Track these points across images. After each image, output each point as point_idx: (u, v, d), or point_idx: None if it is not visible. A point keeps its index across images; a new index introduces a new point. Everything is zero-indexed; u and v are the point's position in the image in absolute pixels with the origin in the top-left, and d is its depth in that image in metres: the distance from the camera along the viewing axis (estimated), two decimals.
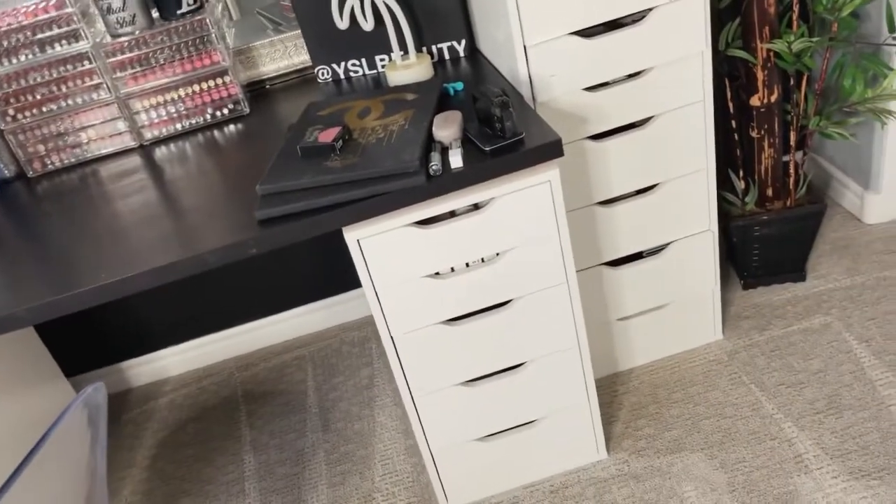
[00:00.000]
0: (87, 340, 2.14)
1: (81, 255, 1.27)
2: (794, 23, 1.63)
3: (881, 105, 1.61)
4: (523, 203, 1.29)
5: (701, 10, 1.43)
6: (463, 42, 1.68)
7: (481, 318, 1.40)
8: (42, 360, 1.98)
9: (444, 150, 1.29)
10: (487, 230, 1.30)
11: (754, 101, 1.72)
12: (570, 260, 1.36)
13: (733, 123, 1.82)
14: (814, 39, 1.55)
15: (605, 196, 1.60)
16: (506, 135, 1.26)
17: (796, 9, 1.62)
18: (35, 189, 1.58)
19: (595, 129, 1.52)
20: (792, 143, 1.79)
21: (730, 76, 1.78)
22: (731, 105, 1.80)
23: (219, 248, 1.18)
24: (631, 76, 1.49)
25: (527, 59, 1.42)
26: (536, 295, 1.39)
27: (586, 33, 1.43)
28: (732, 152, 1.87)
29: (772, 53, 1.64)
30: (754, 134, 1.77)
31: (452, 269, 1.35)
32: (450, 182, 1.23)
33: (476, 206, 1.30)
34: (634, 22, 1.43)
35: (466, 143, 1.30)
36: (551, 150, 1.25)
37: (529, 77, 1.44)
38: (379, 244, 1.27)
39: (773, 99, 1.71)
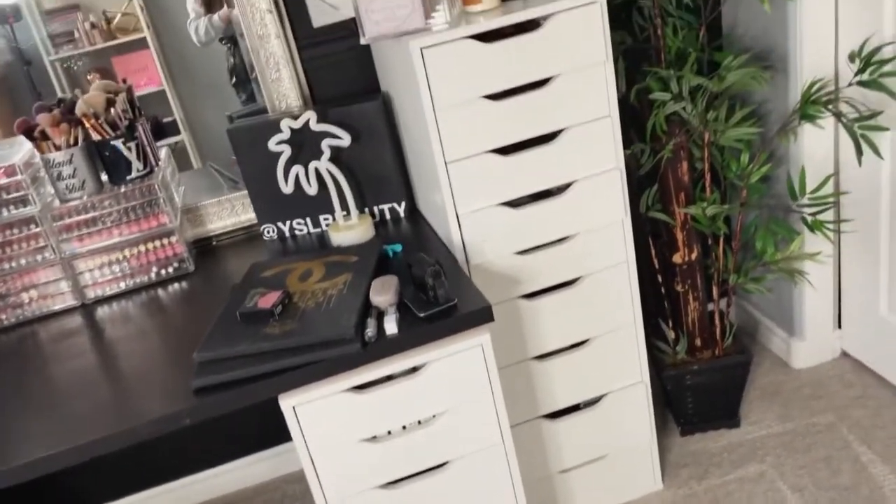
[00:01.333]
0: (15, 500, 2.05)
1: (13, 425, 1.25)
2: (708, 188, 1.78)
3: (793, 265, 1.74)
4: (457, 366, 1.34)
5: (618, 182, 1.55)
6: (403, 203, 1.77)
7: (419, 480, 1.40)
8: None
9: (381, 315, 1.34)
10: (423, 393, 1.33)
11: (676, 258, 1.83)
12: (504, 421, 1.39)
13: (659, 278, 1.93)
14: (725, 206, 1.69)
15: (540, 351, 1.66)
16: (439, 301, 1.32)
17: (708, 176, 1.77)
18: None
19: (527, 289, 1.60)
20: (715, 295, 1.89)
21: (653, 235, 1.90)
22: (655, 261, 1.91)
23: (153, 419, 1.18)
24: (559, 241, 1.59)
25: (460, 226, 1.51)
26: (473, 456, 1.40)
27: (515, 203, 1.53)
28: (661, 304, 1.97)
29: (689, 216, 1.77)
30: (679, 288, 1.87)
31: (389, 433, 1.37)
32: (384, 348, 1.27)
33: (413, 370, 1.34)
34: (559, 192, 1.54)
35: (402, 307, 1.35)
36: (482, 315, 1.31)
37: (463, 242, 1.52)
38: (314, 410, 1.29)
39: (693, 257, 1.83)
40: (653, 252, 1.90)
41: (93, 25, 1.86)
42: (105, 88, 1.67)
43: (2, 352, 1.54)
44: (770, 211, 1.94)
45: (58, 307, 1.65)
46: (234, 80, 1.91)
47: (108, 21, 1.88)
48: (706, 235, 1.87)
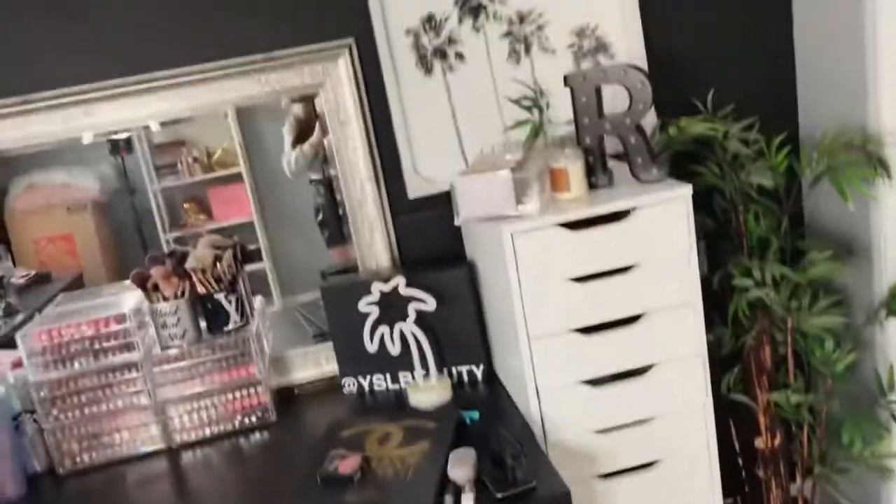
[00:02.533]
0: None
1: None
2: (790, 374, 1.75)
3: (883, 462, 1.67)
4: None
5: (700, 368, 1.55)
6: (481, 366, 1.80)
7: None
8: None
9: (458, 492, 1.35)
10: None
11: (759, 443, 1.79)
12: None
13: (740, 461, 1.87)
14: (810, 396, 1.66)
15: None
16: (517, 483, 1.32)
17: (791, 361, 1.75)
18: (62, 486, 1.64)
19: (604, 469, 1.58)
20: (798, 481, 1.82)
21: (733, 415, 1.87)
22: (736, 443, 1.86)
23: None
24: (638, 422, 1.58)
25: (539, 401, 1.53)
26: None
27: (596, 382, 1.54)
28: (741, 487, 1.90)
29: (772, 401, 1.74)
30: (761, 474, 1.82)
31: None
32: None
33: None
34: (641, 373, 1.56)
35: (479, 483, 1.36)
36: (561, 501, 1.30)
37: (542, 417, 1.54)
38: None
39: (776, 443, 1.78)
40: (734, 434, 1.86)
41: (195, 159, 2.04)
42: (213, 244, 1.80)
43: (90, 490, 1.60)
44: (857, 401, 1.89)
45: (146, 449, 1.71)
46: (319, 217, 2.04)
47: (209, 155, 2.05)
48: (789, 420, 1.83)
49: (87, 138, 1.81)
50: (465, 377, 1.81)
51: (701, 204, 1.92)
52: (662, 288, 1.51)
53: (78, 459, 1.69)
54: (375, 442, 1.52)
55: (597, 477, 1.59)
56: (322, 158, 1.91)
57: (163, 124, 1.90)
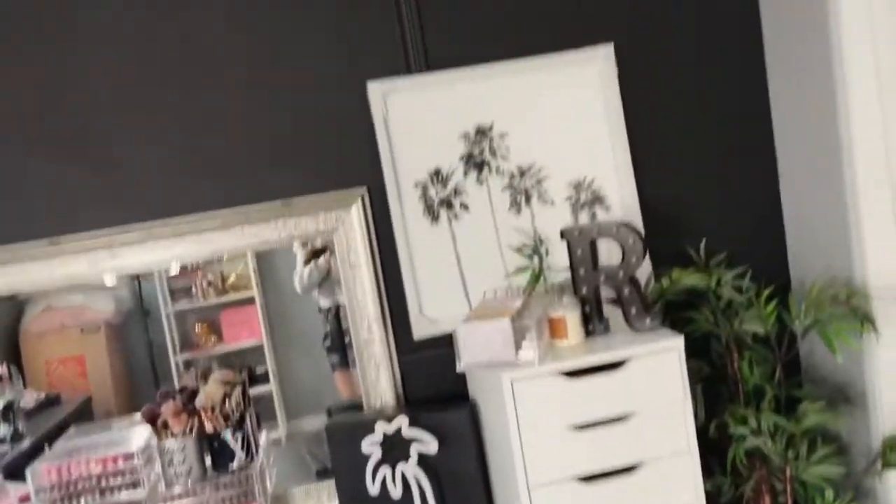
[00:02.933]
0: None
1: None
2: None
3: None
4: None
5: None
6: None
7: None
8: None
9: None
10: None
11: None
12: None
13: None
14: None
15: None
16: None
17: None
18: None
19: None
20: None
21: None
22: None
23: None
24: None
25: None
26: None
27: None
28: None
29: None
30: None
31: None
32: None
33: None
34: None
35: None
36: None
37: None
38: None
39: None
40: None
41: (209, 283, 2.12)
42: (223, 379, 1.86)
43: None
44: None
45: None
46: (327, 343, 2.09)
47: (224, 279, 2.14)
48: None
49: (109, 280, 1.91)
50: None
51: (697, 350, 1.98)
52: (659, 436, 1.55)
53: None
54: None
55: None
56: (333, 280, 1.99)
57: None
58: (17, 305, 2.02)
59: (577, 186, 1.99)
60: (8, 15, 1.76)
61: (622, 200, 1.99)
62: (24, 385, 2.02)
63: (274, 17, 1.85)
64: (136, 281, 2.06)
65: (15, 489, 1.77)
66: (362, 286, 1.91)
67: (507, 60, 1.93)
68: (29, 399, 2.02)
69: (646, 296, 1.65)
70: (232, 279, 2.13)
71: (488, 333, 1.52)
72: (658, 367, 1.54)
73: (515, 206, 1.97)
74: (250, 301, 2.09)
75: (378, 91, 1.88)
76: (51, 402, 2.05)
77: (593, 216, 1.99)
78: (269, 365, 2.10)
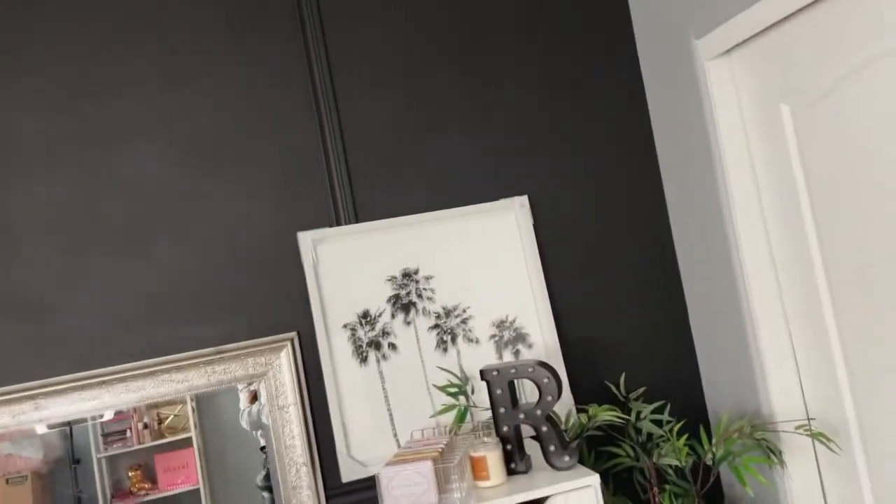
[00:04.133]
0: None
1: None
2: None
3: None
4: None
5: None
6: None
7: None
8: None
9: None
10: None
11: None
12: None
13: None
14: None
15: None
16: None
17: None
18: None
19: None
20: None
21: None
22: None
23: None
24: None
25: None
26: None
27: None
28: None
29: None
30: None
31: None
32: None
33: None
34: None
35: None
36: None
37: None
38: None
39: None
40: None
41: (145, 426, 2.07)
42: None
43: None
44: None
45: None
46: (262, 482, 2.05)
47: (161, 421, 2.10)
48: None
49: (39, 429, 1.89)
50: None
51: (622, 483, 2.04)
52: None
53: None
54: None
55: None
56: None
57: None
58: None
59: (500, 325, 2.09)
60: None
61: (543, 338, 2.09)
62: None
63: (209, 164, 1.97)
64: (69, 426, 2.02)
65: None
66: (290, 428, 1.93)
67: (431, 211, 2.07)
68: None
69: (563, 434, 1.71)
70: (170, 420, 2.10)
71: (410, 476, 1.55)
72: (577, 503, 1.58)
73: (442, 344, 2.05)
74: (188, 442, 2.06)
75: (308, 240, 1.99)
76: None
77: (517, 353, 2.08)
78: None
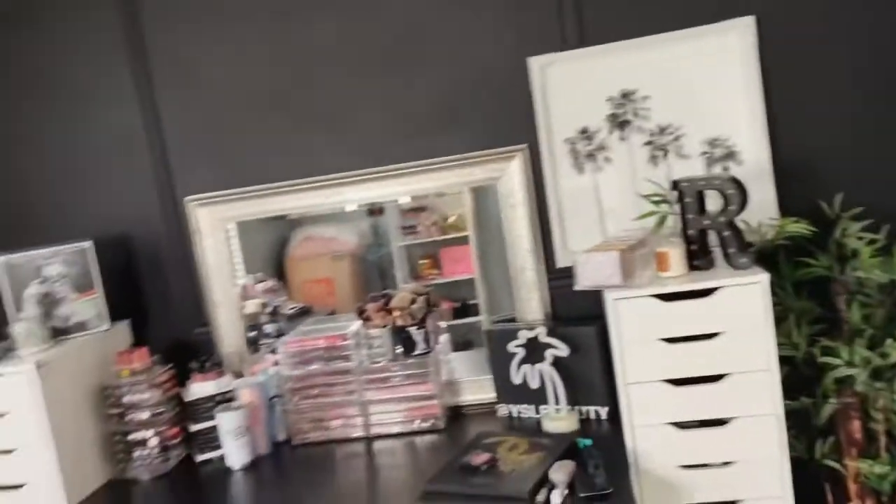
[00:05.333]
0: None
1: None
2: (882, 449, 1.95)
3: None
4: None
5: (774, 428, 1.85)
6: (606, 409, 2.21)
7: None
8: None
9: (553, 488, 1.80)
10: None
11: None
12: None
13: None
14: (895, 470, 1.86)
15: None
16: (595, 488, 1.75)
17: (883, 439, 1.94)
18: (293, 453, 2.34)
19: (686, 501, 1.92)
20: None
21: (833, 483, 2.08)
22: None
23: None
24: (719, 464, 1.90)
25: (634, 436, 1.93)
26: None
27: (682, 425, 1.91)
28: None
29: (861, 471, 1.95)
30: None
31: None
32: None
33: None
34: (722, 424, 1.89)
35: (572, 486, 1.80)
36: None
37: (635, 449, 1.93)
38: None
39: None
40: (830, 499, 2.06)
41: (434, 223, 2.67)
42: (413, 291, 2.44)
43: (311, 459, 2.27)
44: None
45: (351, 434, 2.37)
46: None
47: (445, 220, 2.69)
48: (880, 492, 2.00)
49: (349, 207, 2.55)
50: (592, 415, 2.24)
51: (820, 293, 2.17)
52: (742, 356, 1.85)
53: (306, 435, 2.39)
54: (506, 448, 2.02)
55: None
56: None
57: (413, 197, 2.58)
58: (285, 235, 2.71)
59: (712, 143, 2.26)
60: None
61: (756, 156, 2.23)
62: (287, 297, 2.75)
63: (454, 6, 2.34)
64: (375, 219, 2.64)
65: (270, 358, 2.52)
66: (519, 223, 2.38)
67: (654, 34, 2.24)
68: (289, 307, 2.77)
69: (743, 239, 1.92)
70: (452, 220, 2.64)
71: (600, 262, 1.92)
72: (744, 296, 1.83)
73: (653, 160, 2.30)
74: (466, 240, 2.53)
75: (537, 64, 2.31)
76: (304, 311, 2.76)
77: (726, 170, 2.25)
78: (480, 297, 2.55)
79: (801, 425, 2.07)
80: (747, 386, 1.86)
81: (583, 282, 1.96)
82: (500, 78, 2.35)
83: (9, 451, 2.13)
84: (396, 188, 2.45)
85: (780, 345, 2.02)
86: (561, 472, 1.82)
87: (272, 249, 2.69)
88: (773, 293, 2.11)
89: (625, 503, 1.72)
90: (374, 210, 2.61)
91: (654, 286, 1.89)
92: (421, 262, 2.67)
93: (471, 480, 1.86)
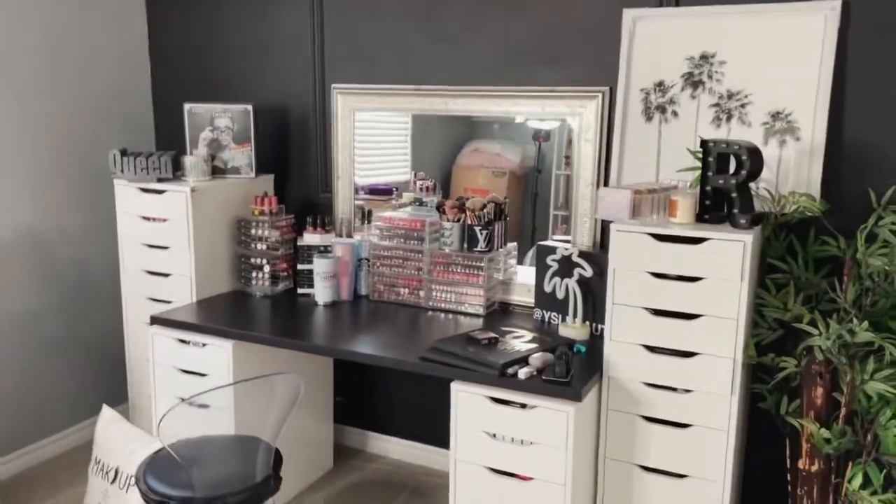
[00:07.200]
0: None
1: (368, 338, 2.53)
2: (841, 419, 2.10)
3: None
4: (549, 419, 2.12)
5: (729, 369, 2.09)
6: None
7: (507, 478, 2.21)
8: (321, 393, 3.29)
9: (524, 367, 2.21)
10: (525, 422, 2.15)
11: (799, 464, 2.18)
12: (569, 469, 2.11)
13: (788, 478, 2.26)
14: (843, 439, 2.02)
15: (644, 463, 2.26)
16: (556, 375, 2.14)
17: (844, 410, 2.10)
18: (369, 305, 2.93)
19: (645, 413, 2.23)
20: None
21: (792, 439, 2.26)
22: (788, 461, 2.26)
23: (392, 358, 2.31)
24: (680, 390, 2.18)
25: (610, 350, 2.26)
26: (541, 483, 2.15)
27: (653, 349, 2.20)
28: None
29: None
30: (799, 492, 2.20)
31: (502, 437, 2.21)
32: (512, 384, 2.15)
33: (523, 406, 2.17)
34: (688, 355, 2.16)
35: (542, 371, 2.20)
36: (571, 394, 2.08)
37: (607, 358, 2.27)
38: (466, 399, 2.23)
39: (813, 469, 2.15)
40: (787, 452, 2.26)
41: None
42: (490, 199, 2.87)
43: (381, 311, 2.85)
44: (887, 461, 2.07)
45: (413, 303, 2.90)
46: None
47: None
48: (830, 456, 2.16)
49: (518, 119, 2.89)
50: (598, 330, 2.57)
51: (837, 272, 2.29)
52: (716, 302, 2.09)
53: (381, 295, 2.95)
54: (513, 336, 2.45)
55: (639, 416, 2.25)
56: None
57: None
58: (460, 143, 3.07)
59: (775, 115, 2.40)
60: None
61: (814, 135, 2.34)
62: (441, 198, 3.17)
63: None
64: (538, 143, 3.07)
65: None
66: (587, 157, 2.69)
67: (744, 4, 2.39)
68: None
69: (750, 202, 2.11)
70: None
71: (616, 198, 2.21)
72: (727, 251, 2.05)
73: (717, 121, 2.48)
74: None
75: (630, 17, 2.55)
76: None
77: (783, 143, 2.39)
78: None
79: (778, 384, 2.26)
80: (715, 329, 2.10)
81: (601, 213, 2.27)
82: (595, 25, 2.63)
83: (166, 248, 2.94)
84: (492, 107, 2.84)
85: (773, 307, 2.22)
86: (539, 360, 2.22)
87: (444, 155, 3.12)
88: (784, 261, 2.29)
89: (573, 391, 2.09)
90: (539, 135, 2.97)
91: (656, 228, 2.16)
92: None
93: (468, 348, 2.32)
